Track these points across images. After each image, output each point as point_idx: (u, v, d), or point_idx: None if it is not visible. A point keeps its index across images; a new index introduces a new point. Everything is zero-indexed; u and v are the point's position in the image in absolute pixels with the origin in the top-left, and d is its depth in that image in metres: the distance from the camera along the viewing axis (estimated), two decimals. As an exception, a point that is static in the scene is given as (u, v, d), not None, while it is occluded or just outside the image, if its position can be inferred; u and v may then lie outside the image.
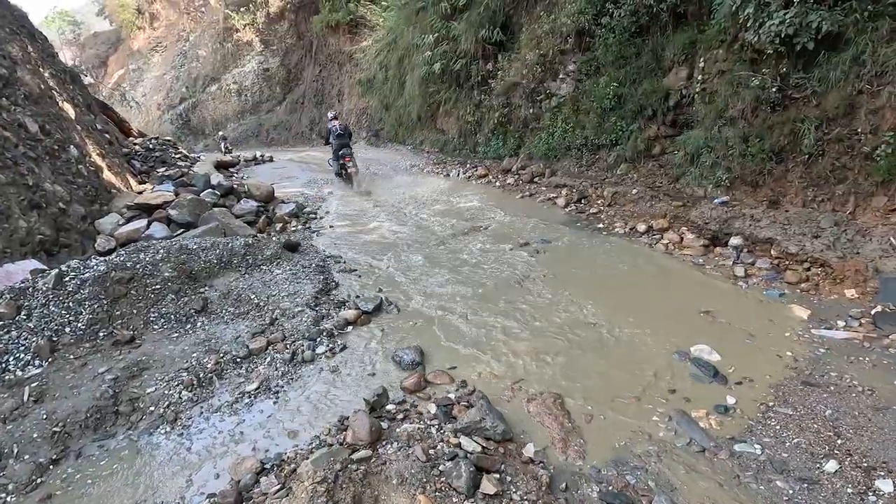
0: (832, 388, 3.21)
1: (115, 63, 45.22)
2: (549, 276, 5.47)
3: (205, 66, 36.82)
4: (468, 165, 12.34)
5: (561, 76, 10.66)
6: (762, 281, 4.95)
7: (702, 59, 7.94)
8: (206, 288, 5.19)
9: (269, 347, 4.17)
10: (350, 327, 4.51)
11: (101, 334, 4.29)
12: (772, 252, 5.23)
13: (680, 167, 7.93)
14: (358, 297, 5.20)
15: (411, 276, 5.79)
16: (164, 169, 9.06)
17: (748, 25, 6.48)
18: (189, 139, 34.63)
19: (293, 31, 31.95)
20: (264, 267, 5.71)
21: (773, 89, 6.54)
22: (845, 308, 4.25)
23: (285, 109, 31.63)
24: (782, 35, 6.05)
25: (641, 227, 6.50)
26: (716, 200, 6.79)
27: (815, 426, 2.88)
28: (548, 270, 5.62)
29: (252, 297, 5.07)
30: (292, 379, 3.77)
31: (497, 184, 10.39)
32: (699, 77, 8.01)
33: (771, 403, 3.14)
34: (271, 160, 17.14)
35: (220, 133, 27.26)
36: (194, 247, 5.68)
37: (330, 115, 12.48)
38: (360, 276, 5.83)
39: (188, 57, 38.59)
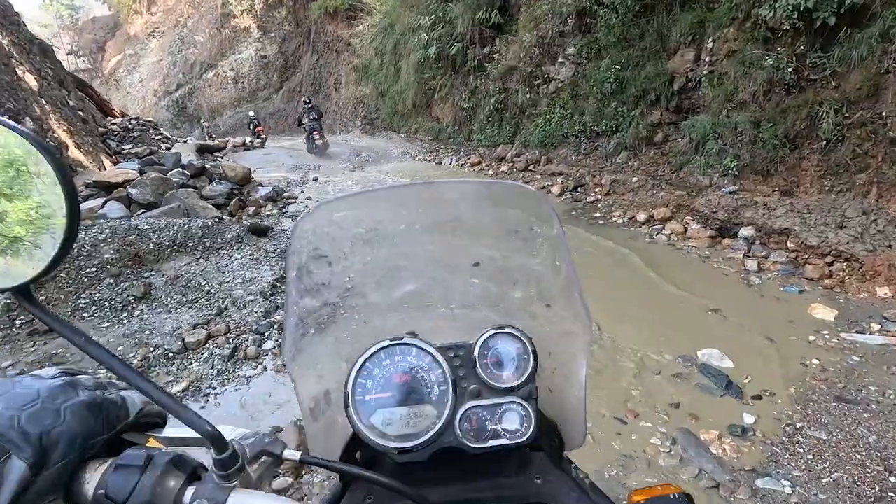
0: (873, 406, 2.64)
1: (113, 48, 44.49)
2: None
3: (202, 53, 36.10)
4: (461, 153, 11.78)
5: (560, 60, 10.08)
6: (778, 276, 4.35)
7: (710, 40, 7.38)
8: (153, 272, 4.61)
9: (209, 341, 3.59)
10: (307, 320, 3.94)
11: (17, 322, 3.72)
12: (788, 244, 4.65)
13: (684, 155, 7.38)
14: (323, 284, 4.63)
15: (385, 264, 5.22)
16: (130, 146, 8.47)
17: (763, 0, 5.93)
18: (185, 126, 34.00)
19: (291, 17, 31.28)
20: (223, 251, 5.13)
21: (789, 70, 6.01)
22: (878, 309, 3.66)
23: (282, 98, 30.96)
24: (801, 9, 5.51)
25: (641, 217, 5.93)
26: (724, 189, 6.24)
27: (858, 456, 2.30)
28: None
29: (203, 283, 4.49)
30: (228, 379, 3.20)
31: (490, 172, 9.82)
32: (707, 59, 7.45)
33: (799, 424, 2.55)
34: (262, 146, 16.59)
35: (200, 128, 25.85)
36: (145, 227, 5.11)
37: None
38: (329, 264, 5.25)
39: (185, 43, 37.85)
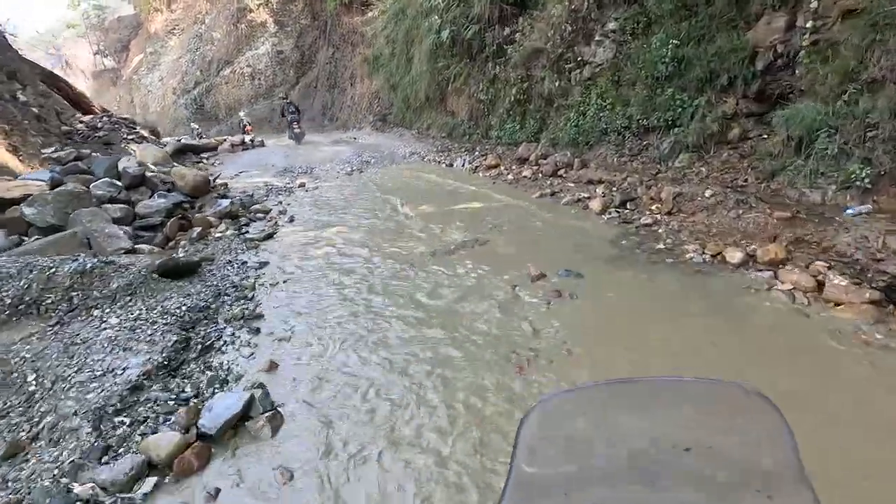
0: None
1: (136, 47, 44.25)
2: (575, 357, 3.00)
3: (219, 49, 35.40)
4: (477, 153, 9.91)
5: (597, 38, 8.11)
6: None
7: (814, -3, 5.34)
8: (-40, 356, 2.93)
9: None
10: (149, 481, 2.13)
11: None
12: None
13: (776, 158, 5.35)
14: (226, 380, 2.86)
15: (336, 335, 3.41)
16: (51, 150, 6.86)
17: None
18: (203, 125, 33.32)
19: (308, 10, 30.20)
20: (96, 311, 3.42)
21: (956, 31, 3.98)
22: None
23: (298, 94, 29.85)
24: None
25: (734, 257, 3.86)
26: (848, 211, 4.23)
27: None
28: (571, 340, 3.13)
29: (31, 376, 2.78)
30: None
31: (510, 177, 7.91)
32: (809, 24, 5.39)
33: None
34: (262, 145, 15.36)
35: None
36: (-16, 275, 3.44)
37: None
38: (258, 332, 3.48)
39: (203, 40, 37.23)
